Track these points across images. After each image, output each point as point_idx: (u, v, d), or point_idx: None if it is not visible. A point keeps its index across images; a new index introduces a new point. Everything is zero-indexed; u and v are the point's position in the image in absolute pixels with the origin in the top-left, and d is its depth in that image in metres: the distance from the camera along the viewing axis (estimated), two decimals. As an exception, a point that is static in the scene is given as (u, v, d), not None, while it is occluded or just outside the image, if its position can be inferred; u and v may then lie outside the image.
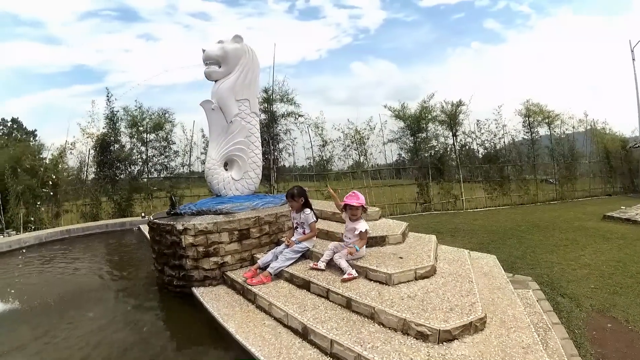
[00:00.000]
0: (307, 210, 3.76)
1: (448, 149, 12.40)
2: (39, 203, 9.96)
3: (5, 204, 9.65)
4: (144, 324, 3.29)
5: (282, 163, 12.38)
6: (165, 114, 10.94)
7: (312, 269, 3.41)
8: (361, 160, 12.48)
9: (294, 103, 11.61)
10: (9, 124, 18.59)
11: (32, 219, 9.65)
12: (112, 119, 10.57)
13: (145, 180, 10.91)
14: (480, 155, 13.18)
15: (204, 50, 4.69)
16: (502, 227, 7.83)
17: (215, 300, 3.56)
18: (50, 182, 10.20)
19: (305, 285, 3.23)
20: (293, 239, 3.77)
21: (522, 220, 8.61)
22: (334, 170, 12.67)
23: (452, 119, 11.98)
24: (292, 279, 3.42)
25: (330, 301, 2.92)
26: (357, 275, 3.10)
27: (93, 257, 5.78)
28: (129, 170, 10.97)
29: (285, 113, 11.70)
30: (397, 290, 2.80)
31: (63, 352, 2.75)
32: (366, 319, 2.56)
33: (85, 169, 11.15)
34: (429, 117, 11.87)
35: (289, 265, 3.58)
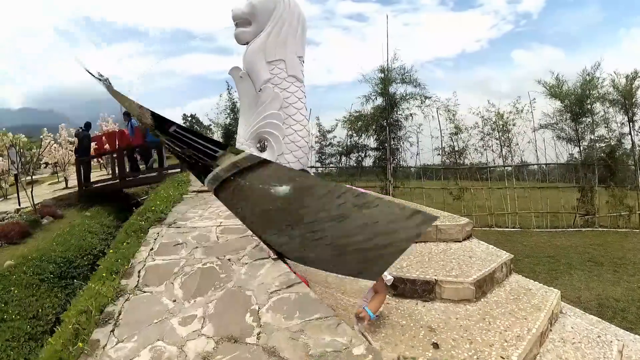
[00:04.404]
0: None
1: (623, 140, 8.64)
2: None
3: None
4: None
5: (402, 154, 10.81)
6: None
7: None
8: (503, 153, 9.67)
9: (418, 84, 9.83)
10: (189, 119, 23.87)
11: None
12: (232, 110, 11.33)
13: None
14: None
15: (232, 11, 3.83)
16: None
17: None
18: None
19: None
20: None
21: None
22: (466, 165, 10.32)
23: (627, 98, 8.02)
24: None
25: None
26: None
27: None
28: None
29: (405, 94, 10.04)
30: None
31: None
32: None
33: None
34: (595, 94, 8.23)
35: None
